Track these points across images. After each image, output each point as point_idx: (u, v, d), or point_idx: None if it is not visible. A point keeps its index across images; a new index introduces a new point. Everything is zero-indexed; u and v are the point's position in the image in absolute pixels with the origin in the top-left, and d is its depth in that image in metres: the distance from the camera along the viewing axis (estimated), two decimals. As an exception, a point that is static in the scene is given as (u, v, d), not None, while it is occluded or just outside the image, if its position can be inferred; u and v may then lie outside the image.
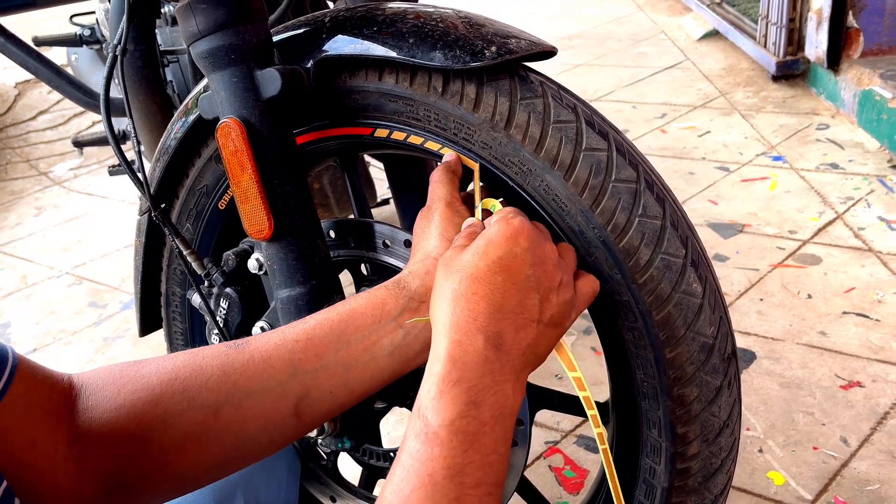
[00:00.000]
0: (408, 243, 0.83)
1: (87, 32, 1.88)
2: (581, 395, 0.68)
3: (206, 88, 0.83)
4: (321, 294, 0.80)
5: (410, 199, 1.03)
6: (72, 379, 0.63)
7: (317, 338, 0.68)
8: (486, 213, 0.74)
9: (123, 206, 2.73)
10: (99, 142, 1.82)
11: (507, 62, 0.73)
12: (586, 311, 0.75)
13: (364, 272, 0.90)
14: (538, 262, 0.63)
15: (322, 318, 0.70)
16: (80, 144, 1.84)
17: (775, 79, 2.86)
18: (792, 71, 2.81)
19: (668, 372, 0.72)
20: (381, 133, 0.80)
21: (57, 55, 3.28)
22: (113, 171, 1.74)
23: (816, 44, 2.62)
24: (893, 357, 1.44)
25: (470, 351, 0.57)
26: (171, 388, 0.64)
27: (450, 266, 0.63)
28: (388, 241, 0.84)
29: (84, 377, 0.64)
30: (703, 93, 2.96)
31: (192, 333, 1.05)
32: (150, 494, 0.63)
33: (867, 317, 1.56)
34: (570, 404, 0.85)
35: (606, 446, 0.71)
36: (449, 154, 0.76)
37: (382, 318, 0.69)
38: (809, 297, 1.65)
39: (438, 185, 0.74)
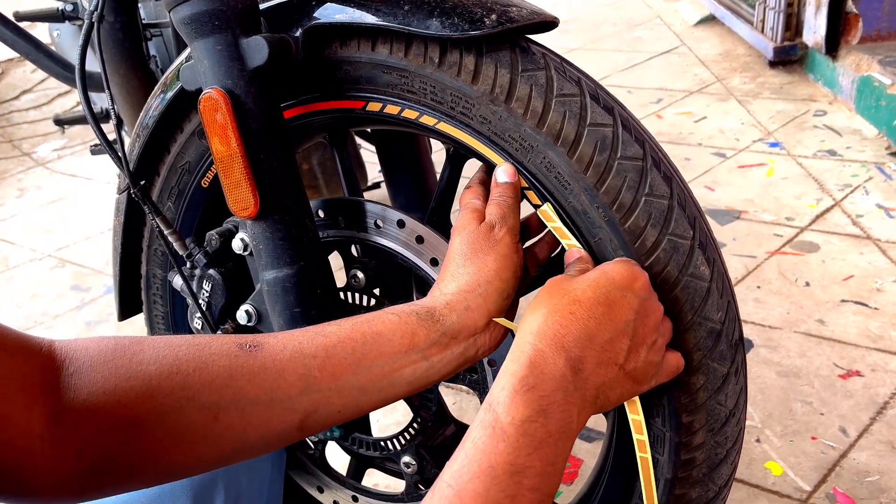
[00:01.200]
0: (401, 223, 0.79)
1: (69, 7, 1.82)
2: (636, 437, 0.69)
3: (188, 58, 0.79)
4: (309, 276, 0.76)
5: (403, 180, 0.99)
6: (53, 349, 0.57)
7: (336, 357, 0.64)
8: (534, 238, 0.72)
9: (108, 187, 2.67)
10: (81, 120, 1.76)
11: (508, 31, 0.69)
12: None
13: (354, 254, 0.87)
14: (642, 314, 0.63)
15: (344, 336, 0.65)
16: (61, 123, 1.79)
17: (772, 64, 2.83)
18: (789, 56, 2.77)
19: (673, 359, 0.68)
20: (374, 107, 0.76)
21: (40, 32, 3.20)
22: (95, 150, 1.69)
23: (815, 29, 2.58)
24: (893, 346, 1.42)
25: (550, 363, 0.58)
26: (170, 381, 0.59)
27: (557, 286, 0.63)
28: (379, 222, 0.80)
29: (70, 349, 0.58)
30: (700, 78, 2.93)
31: (173, 317, 1.01)
32: (137, 480, 0.59)
33: (866, 305, 1.54)
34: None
35: (648, 455, 0.69)
36: (509, 168, 0.70)
37: (410, 349, 0.65)
38: (807, 284, 1.63)
39: (509, 212, 0.69)
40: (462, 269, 0.68)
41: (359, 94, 0.76)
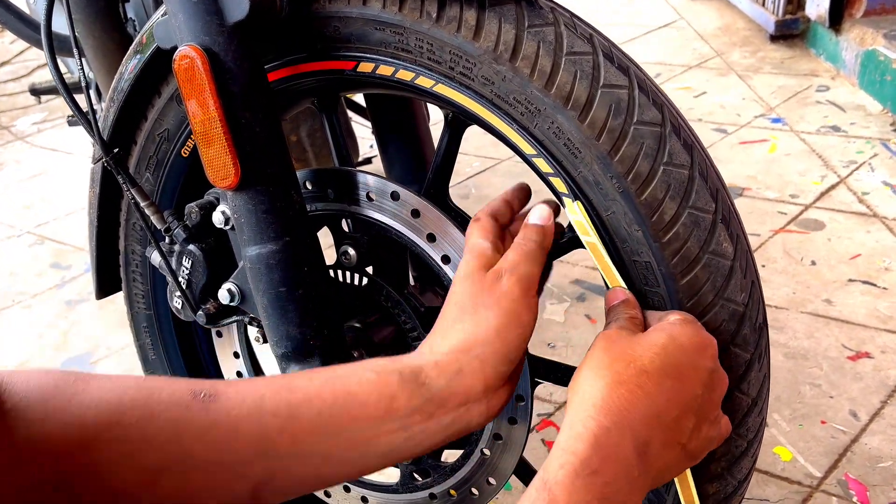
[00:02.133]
0: (396, 196, 0.73)
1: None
2: None
3: (164, 14, 0.72)
4: (296, 252, 0.70)
5: (398, 151, 0.93)
6: None
7: (300, 418, 0.56)
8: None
9: (90, 162, 2.59)
10: (57, 90, 1.68)
11: (514, -18, 0.62)
12: (589, 276, 0.66)
13: (346, 229, 0.80)
14: (711, 387, 0.56)
15: (312, 392, 0.57)
16: (37, 93, 1.71)
17: (773, 38, 2.77)
18: (791, 30, 2.71)
19: (692, 343, 0.63)
20: (366, 67, 0.70)
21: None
22: (71, 120, 1.61)
23: (818, 2, 2.52)
24: (903, 327, 1.37)
25: (615, 444, 0.52)
26: (108, 432, 0.52)
27: (618, 347, 0.55)
28: (372, 194, 0.74)
29: (9, 381, 0.51)
30: (699, 52, 2.86)
31: (154, 296, 0.95)
32: None
33: (874, 285, 1.49)
34: (568, 375, 0.76)
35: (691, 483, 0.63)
36: (544, 210, 0.62)
37: (387, 415, 0.57)
38: (813, 263, 1.58)
39: (525, 260, 0.60)
40: (457, 324, 0.58)
41: (349, 54, 0.70)
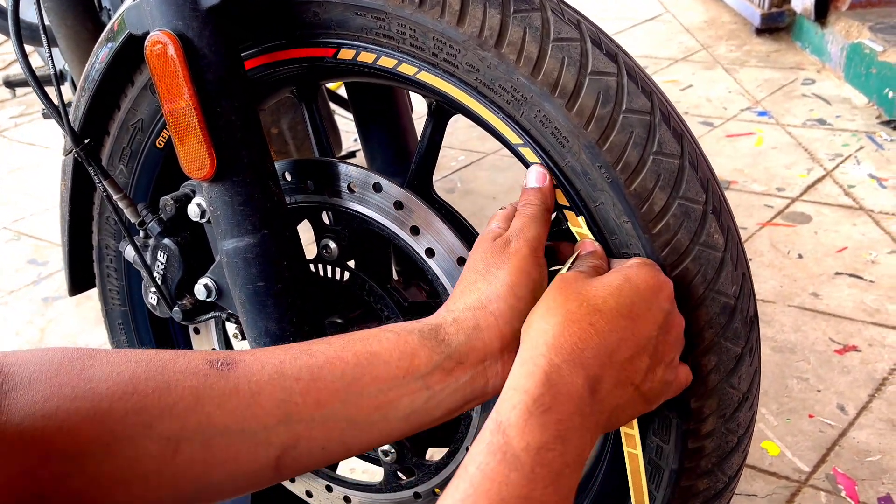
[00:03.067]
0: (378, 187, 0.71)
1: (19, -40, 1.69)
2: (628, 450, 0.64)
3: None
4: (274, 245, 0.67)
5: (380, 142, 0.90)
6: None
7: (322, 380, 0.55)
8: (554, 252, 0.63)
9: (62, 154, 2.54)
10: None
11: (499, -35, 0.60)
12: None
13: (326, 222, 0.78)
14: (665, 329, 0.56)
15: (333, 356, 0.56)
16: (12, 85, 1.67)
17: (759, 32, 2.76)
18: (777, 24, 2.70)
19: (683, 338, 0.61)
20: (346, 54, 0.67)
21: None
22: (46, 113, 1.57)
23: (803, -5, 2.51)
24: (890, 320, 1.37)
25: (567, 381, 0.51)
26: (124, 403, 0.50)
27: (572, 288, 0.56)
28: (354, 185, 0.72)
29: (7, 362, 0.49)
30: (685, 46, 2.85)
31: (129, 292, 0.92)
32: None
33: (861, 278, 1.49)
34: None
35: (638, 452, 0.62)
36: (539, 172, 0.61)
37: (408, 373, 0.56)
38: (800, 256, 1.57)
39: (530, 222, 0.61)
40: (472, 285, 0.60)
41: (329, 41, 0.68)
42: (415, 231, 0.70)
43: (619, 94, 0.60)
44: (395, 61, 0.66)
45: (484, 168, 2.13)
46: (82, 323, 1.66)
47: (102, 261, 0.93)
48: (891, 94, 2.07)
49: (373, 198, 0.71)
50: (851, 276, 1.50)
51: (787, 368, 1.29)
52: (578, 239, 0.63)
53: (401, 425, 0.58)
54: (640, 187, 0.60)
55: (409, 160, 0.89)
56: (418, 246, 0.70)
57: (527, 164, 0.64)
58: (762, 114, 2.23)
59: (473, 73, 0.63)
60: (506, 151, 0.65)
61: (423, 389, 0.57)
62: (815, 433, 1.16)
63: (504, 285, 0.58)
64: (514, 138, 0.63)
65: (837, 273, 1.51)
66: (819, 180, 1.85)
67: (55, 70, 0.76)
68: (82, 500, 0.49)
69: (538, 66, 0.60)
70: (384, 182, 0.70)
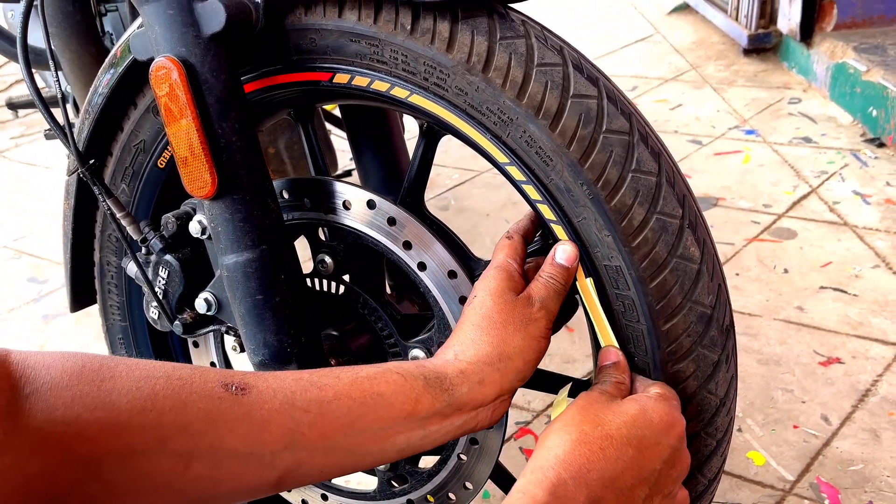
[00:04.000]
0: (371, 204, 0.74)
1: (22, -14, 1.73)
2: None
3: (140, 26, 0.73)
4: (272, 260, 0.70)
5: (374, 162, 0.94)
6: (10, 362, 0.50)
7: (330, 415, 0.59)
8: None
9: (65, 174, 2.58)
10: (34, 104, 1.68)
11: (485, -5, 0.64)
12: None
13: (322, 238, 0.81)
14: (669, 464, 0.60)
15: (342, 391, 0.60)
16: (14, 107, 1.70)
17: (747, 52, 2.82)
18: (764, 44, 2.76)
19: (662, 346, 0.64)
20: (342, 79, 0.71)
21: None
22: (48, 134, 1.61)
23: (789, 16, 2.57)
24: (873, 333, 1.40)
25: (571, 497, 0.55)
26: (141, 419, 0.52)
27: (591, 410, 0.60)
28: (348, 202, 0.75)
29: (29, 365, 0.51)
30: (675, 66, 2.91)
31: (129, 307, 0.95)
32: None
33: (845, 292, 1.52)
34: (548, 382, 0.77)
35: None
36: (569, 252, 0.65)
37: (410, 416, 0.61)
38: (786, 271, 1.61)
39: (554, 296, 0.65)
40: (485, 336, 0.63)
41: (325, 66, 0.71)
42: (407, 246, 0.73)
43: (599, 115, 0.64)
44: (388, 85, 0.69)
45: (477, 186, 2.16)
46: (82, 340, 1.68)
47: (104, 277, 0.95)
48: (874, 113, 2.12)
49: (367, 214, 0.74)
50: (836, 290, 1.53)
51: (772, 380, 1.31)
52: (603, 346, 0.66)
53: (394, 455, 0.63)
54: (619, 203, 0.63)
55: (401, 179, 0.92)
56: (410, 260, 0.73)
57: (514, 183, 0.67)
58: (749, 132, 2.28)
59: (462, 97, 0.66)
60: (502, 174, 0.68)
61: (420, 429, 0.61)
62: (799, 443, 1.19)
63: (517, 349, 0.63)
64: (501, 157, 0.67)
65: (822, 287, 1.55)
66: (805, 197, 1.89)
67: (62, 93, 0.79)
68: None
69: (523, 89, 0.64)
70: (377, 199, 0.73)
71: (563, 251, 0.66)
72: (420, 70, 0.67)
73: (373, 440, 0.61)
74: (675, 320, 0.64)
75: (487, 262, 0.74)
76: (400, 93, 0.69)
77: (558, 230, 0.66)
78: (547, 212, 0.66)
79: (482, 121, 0.66)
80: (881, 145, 2.08)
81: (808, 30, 2.50)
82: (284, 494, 0.91)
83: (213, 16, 0.65)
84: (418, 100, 0.68)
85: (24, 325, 1.76)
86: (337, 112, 1.75)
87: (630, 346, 0.66)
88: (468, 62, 0.64)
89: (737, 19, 2.89)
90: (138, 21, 0.76)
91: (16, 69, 3.44)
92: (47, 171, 2.65)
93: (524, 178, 0.66)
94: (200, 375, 0.57)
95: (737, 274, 1.61)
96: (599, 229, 0.64)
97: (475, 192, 2.13)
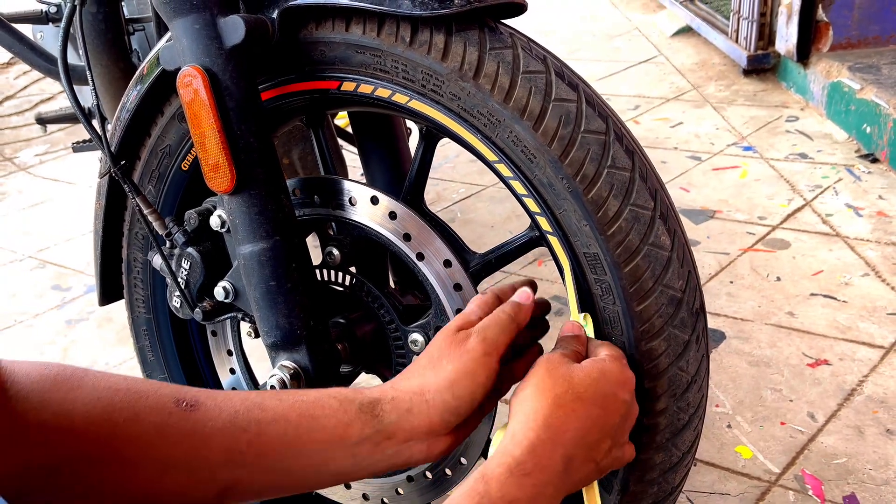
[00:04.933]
0: (375, 200, 0.81)
1: (52, 9, 1.84)
2: None
3: (169, 39, 0.81)
4: (285, 250, 0.78)
5: (380, 166, 1.01)
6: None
7: (267, 435, 0.63)
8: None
9: (90, 191, 2.68)
10: (62, 119, 1.78)
11: (476, 11, 0.72)
12: (553, 268, 0.75)
13: (330, 232, 0.89)
14: (626, 417, 0.67)
15: (280, 414, 0.64)
16: (43, 121, 1.80)
17: (746, 73, 2.89)
18: (762, 65, 2.84)
19: (636, 325, 0.71)
20: (348, 86, 0.79)
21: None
22: (77, 146, 1.70)
23: (786, 37, 2.65)
24: (860, 336, 1.45)
25: (548, 455, 0.61)
26: (98, 429, 0.57)
27: (558, 372, 0.64)
28: (354, 199, 0.83)
29: (13, 371, 0.56)
30: (676, 86, 2.98)
31: (154, 300, 1.02)
32: None
33: (835, 298, 1.58)
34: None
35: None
36: (525, 293, 0.71)
37: (341, 440, 0.65)
38: (778, 279, 1.66)
39: (494, 325, 0.67)
40: (422, 370, 0.67)
41: (334, 75, 0.79)
42: (407, 238, 0.80)
43: (578, 117, 0.71)
44: (390, 91, 0.77)
45: (483, 200, 2.24)
46: (102, 343, 1.76)
47: (130, 272, 1.03)
48: (868, 129, 2.18)
49: (370, 209, 0.82)
50: (826, 296, 1.59)
51: (761, 380, 1.37)
52: (572, 319, 0.73)
53: (330, 479, 0.67)
54: (596, 196, 0.70)
55: (404, 181, 0.99)
56: (410, 251, 0.80)
57: (504, 180, 0.75)
58: (747, 149, 2.35)
59: (456, 101, 0.74)
60: (503, 185, 0.75)
61: (351, 457, 0.65)
62: (785, 438, 1.24)
63: (445, 381, 0.65)
64: (490, 156, 0.74)
65: (813, 294, 1.60)
66: (799, 209, 1.95)
67: (98, 103, 0.87)
68: (47, 499, 0.56)
69: (510, 94, 0.71)
70: (380, 195, 0.81)
71: (522, 292, 0.72)
72: (418, 77, 0.74)
73: (307, 463, 0.64)
74: (647, 302, 0.71)
75: (481, 256, 0.82)
76: (400, 98, 0.76)
77: (542, 221, 0.73)
78: (532, 204, 0.74)
79: (474, 123, 0.73)
80: (875, 161, 2.14)
81: (804, 50, 2.57)
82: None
83: (234, 30, 0.73)
84: (417, 105, 0.76)
85: (48, 330, 1.84)
86: (349, 129, 1.83)
87: (607, 326, 0.73)
88: (461, 70, 0.72)
89: (737, 41, 2.97)
90: (167, 35, 0.85)
91: (40, 89, 3.57)
92: (70, 186, 2.75)
93: (511, 175, 0.73)
94: (156, 391, 0.62)
95: (731, 282, 1.67)
96: (578, 219, 0.71)
97: (480, 205, 2.21)
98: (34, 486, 0.55)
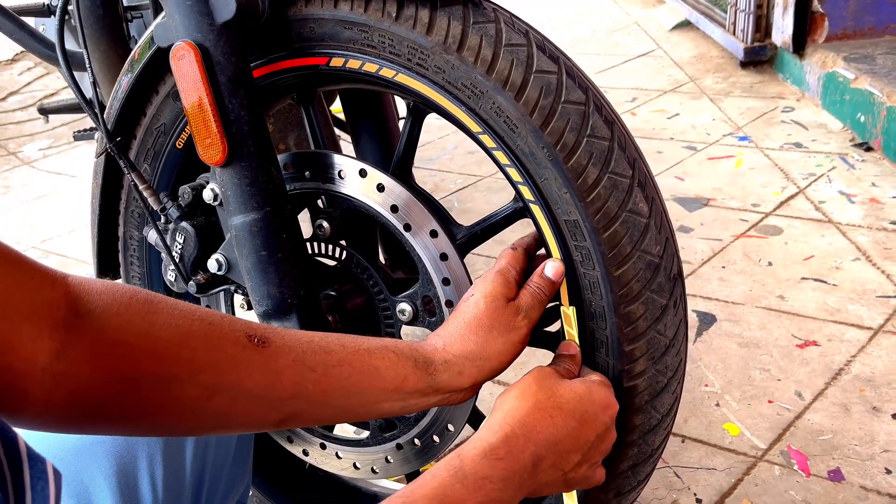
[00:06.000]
0: (363, 173, 0.83)
1: (55, 2, 1.86)
2: None
3: (163, 17, 0.83)
4: (275, 221, 0.80)
5: (370, 143, 1.03)
6: (68, 285, 0.57)
7: (332, 378, 0.68)
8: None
9: (94, 157, 2.71)
10: (64, 109, 1.80)
11: (459, -15, 0.74)
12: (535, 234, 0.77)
13: (321, 206, 0.91)
14: (601, 438, 0.71)
15: (345, 358, 0.70)
16: (45, 112, 1.82)
17: (743, 65, 2.91)
18: (759, 57, 2.85)
19: (615, 289, 0.73)
20: (337, 62, 0.81)
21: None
22: (78, 135, 1.72)
23: (783, 29, 2.66)
24: (849, 318, 1.47)
25: (520, 448, 0.66)
26: (179, 352, 0.61)
27: (547, 382, 0.71)
28: (343, 172, 0.85)
29: (85, 290, 0.58)
30: (674, 79, 3.00)
31: (149, 277, 1.05)
32: (118, 430, 0.63)
33: (825, 282, 1.59)
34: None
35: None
36: (558, 268, 0.75)
37: (397, 390, 0.71)
38: (770, 264, 1.68)
39: (538, 306, 0.74)
40: (472, 335, 0.73)
41: (322, 51, 0.81)
42: (394, 209, 0.82)
43: (558, 88, 0.73)
44: (377, 66, 0.79)
45: (480, 190, 2.26)
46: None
47: (127, 250, 1.05)
48: (862, 118, 2.20)
49: (359, 182, 0.84)
50: (817, 280, 1.61)
51: (751, 361, 1.39)
52: (567, 338, 0.77)
53: (376, 416, 0.74)
54: (575, 164, 0.72)
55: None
56: (397, 222, 0.83)
57: (487, 151, 0.77)
58: (743, 139, 2.36)
59: (441, 74, 0.76)
60: (500, 175, 0.78)
61: (401, 401, 0.72)
62: (773, 416, 1.26)
63: (495, 352, 0.73)
64: (474, 127, 0.76)
65: (804, 278, 1.62)
66: (792, 197, 1.97)
67: (95, 81, 0.90)
68: (125, 418, 0.60)
69: (492, 66, 0.73)
70: (369, 168, 0.83)
71: (552, 266, 0.76)
72: (404, 52, 0.76)
73: (363, 403, 0.71)
74: (625, 267, 0.73)
75: (467, 228, 0.84)
76: (387, 73, 0.78)
77: (525, 190, 0.76)
78: (515, 174, 0.76)
79: (458, 95, 0.75)
80: (868, 149, 2.16)
81: (800, 42, 2.59)
82: (287, 446, 1.00)
83: (225, 6, 0.75)
84: (403, 78, 0.78)
85: (49, 317, 1.87)
86: (341, 116, 1.86)
87: (587, 291, 0.75)
88: (445, 43, 0.74)
89: (734, 34, 2.98)
90: (161, 15, 0.87)
91: (44, 84, 3.61)
92: (73, 179, 2.78)
93: (495, 145, 0.75)
94: (230, 323, 0.66)
95: (723, 267, 1.69)
96: (559, 187, 0.73)
97: (477, 195, 2.23)
98: (114, 398, 0.58)
